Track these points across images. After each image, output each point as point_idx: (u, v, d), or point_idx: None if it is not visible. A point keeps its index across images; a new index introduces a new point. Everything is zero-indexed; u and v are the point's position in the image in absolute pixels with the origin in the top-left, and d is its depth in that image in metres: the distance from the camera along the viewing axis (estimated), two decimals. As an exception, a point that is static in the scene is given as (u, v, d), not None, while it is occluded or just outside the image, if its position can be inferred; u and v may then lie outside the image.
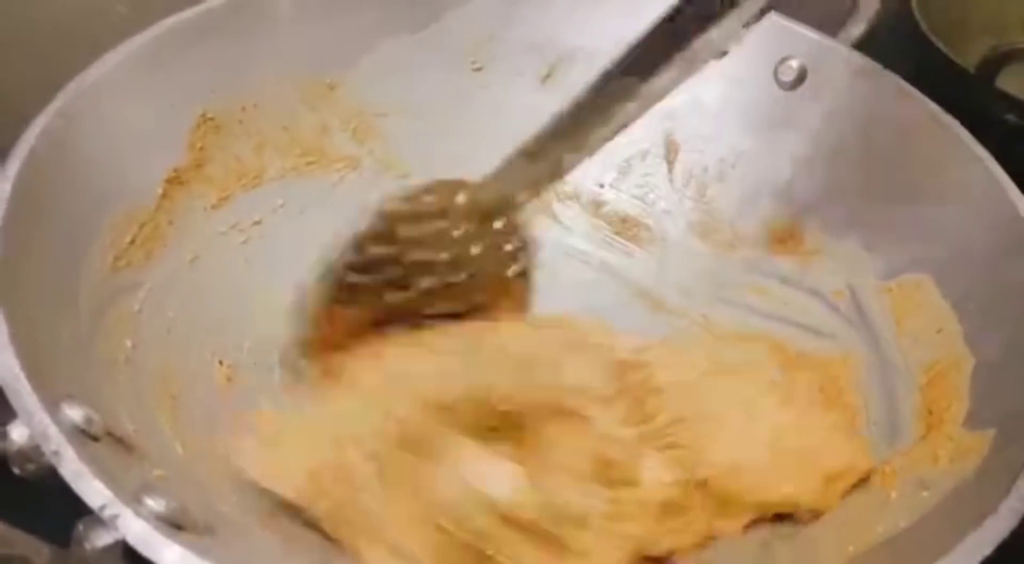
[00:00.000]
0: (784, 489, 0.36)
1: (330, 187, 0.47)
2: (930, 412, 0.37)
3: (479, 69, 0.49)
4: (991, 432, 0.33)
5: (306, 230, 0.45)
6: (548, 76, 0.50)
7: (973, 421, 0.35)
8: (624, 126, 0.38)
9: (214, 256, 0.42)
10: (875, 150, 0.44)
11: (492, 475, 0.34)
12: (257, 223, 0.45)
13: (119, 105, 0.39)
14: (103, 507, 0.26)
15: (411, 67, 0.48)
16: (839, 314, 0.43)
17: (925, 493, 0.33)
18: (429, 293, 0.41)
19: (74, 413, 0.29)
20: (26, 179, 0.34)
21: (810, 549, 0.34)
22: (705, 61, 0.36)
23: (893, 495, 0.34)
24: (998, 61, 0.47)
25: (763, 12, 0.35)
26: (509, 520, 0.34)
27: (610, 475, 0.35)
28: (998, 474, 0.31)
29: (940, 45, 0.50)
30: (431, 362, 0.40)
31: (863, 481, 0.37)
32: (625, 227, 0.50)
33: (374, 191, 0.47)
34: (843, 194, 0.45)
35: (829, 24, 0.47)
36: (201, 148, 0.43)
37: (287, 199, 0.46)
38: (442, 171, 0.48)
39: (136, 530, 0.26)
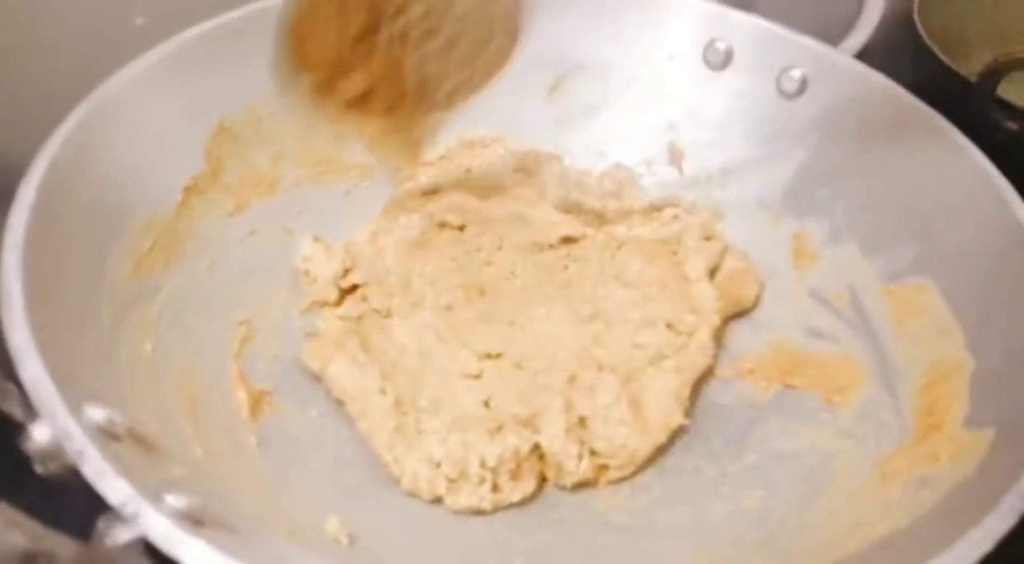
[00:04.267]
0: None
1: (343, 195, 0.48)
2: (930, 413, 0.37)
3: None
4: (991, 432, 0.34)
5: (320, 237, 0.46)
6: (555, 88, 0.51)
7: (973, 421, 0.35)
8: None
9: (231, 262, 0.43)
10: (876, 158, 0.44)
11: None
12: (273, 230, 0.45)
13: (138, 115, 0.40)
14: (124, 504, 0.27)
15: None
16: (840, 317, 0.44)
17: (926, 492, 0.33)
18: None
19: (97, 414, 0.30)
20: (48, 187, 0.35)
21: (812, 547, 0.35)
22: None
23: (895, 494, 0.35)
24: (999, 70, 0.47)
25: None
26: None
27: None
28: (997, 473, 0.32)
29: (941, 55, 0.50)
30: None
31: None
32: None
33: (385, 198, 0.48)
34: (843, 200, 0.46)
35: (831, 34, 0.48)
36: (219, 157, 0.44)
37: (302, 207, 0.47)
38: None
39: (156, 526, 0.27)
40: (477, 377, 0.42)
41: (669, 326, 0.43)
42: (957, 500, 0.32)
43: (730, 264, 0.46)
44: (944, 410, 0.36)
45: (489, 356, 0.43)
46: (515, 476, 0.38)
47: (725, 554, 0.36)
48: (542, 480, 0.39)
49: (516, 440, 0.38)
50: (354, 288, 0.46)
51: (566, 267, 0.46)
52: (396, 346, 0.43)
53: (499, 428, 0.39)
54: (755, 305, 0.46)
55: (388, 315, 0.44)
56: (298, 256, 0.45)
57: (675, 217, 0.48)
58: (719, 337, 0.44)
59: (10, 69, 0.48)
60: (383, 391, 0.40)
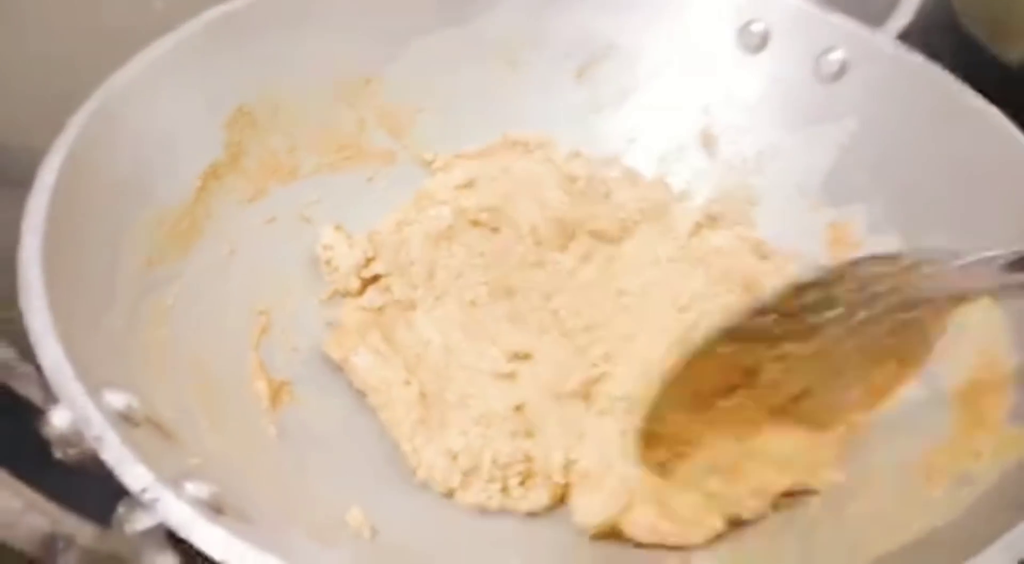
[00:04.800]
0: None
1: (365, 181, 0.47)
2: (973, 408, 0.36)
3: (514, 65, 0.49)
4: (1035, 426, 0.33)
5: (341, 224, 0.45)
6: (582, 73, 0.50)
7: (1017, 416, 0.34)
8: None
9: (250, 250, 0.42)
10: (918, 144, 0.43)
11: None
12: (292, 217, 0.45)
13: (157, 100, 0.40)
14: (144, 490, 0.26)
15: (446, 63, 0.48)
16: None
17: (968, 488, 0.32)
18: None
19: (116, 399, 0.29)
20: (68, 172, 0.34)
21: (850, 545, 0.34)
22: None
23: (935, 492, 0.34)
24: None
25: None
26: None
27: None
28: (1043, 468, 0.31)
29: (983, 40, 0.49)
30: None
31: None
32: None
33: (408, 185, 0.48)
34: (884, 188, 0.44)
35: (872, 15, 0.47)
36: (238, 143, 0.43)
37: (322, 194, 0.46)
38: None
39: (177, 513, 0.26)
40: (510, 377, 0.41)
41: None
42: (1001, 497, 0.31)
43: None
44: (987, 405, 0.35)
45: (518, 356, 0.42)
46: (525, 483, 0.38)
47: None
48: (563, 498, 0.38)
49: (519, 444, 0.38)
50: (375, 278, 0.45)
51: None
52: (420, 339, 0.42)
53: (527, 433, 0.38)
54: None
55: (411, 307, 0.43)
56: (319, 244, 0.45)
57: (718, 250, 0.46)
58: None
59: (28, 54, 0.48)
60: (408, 383, 0.40)
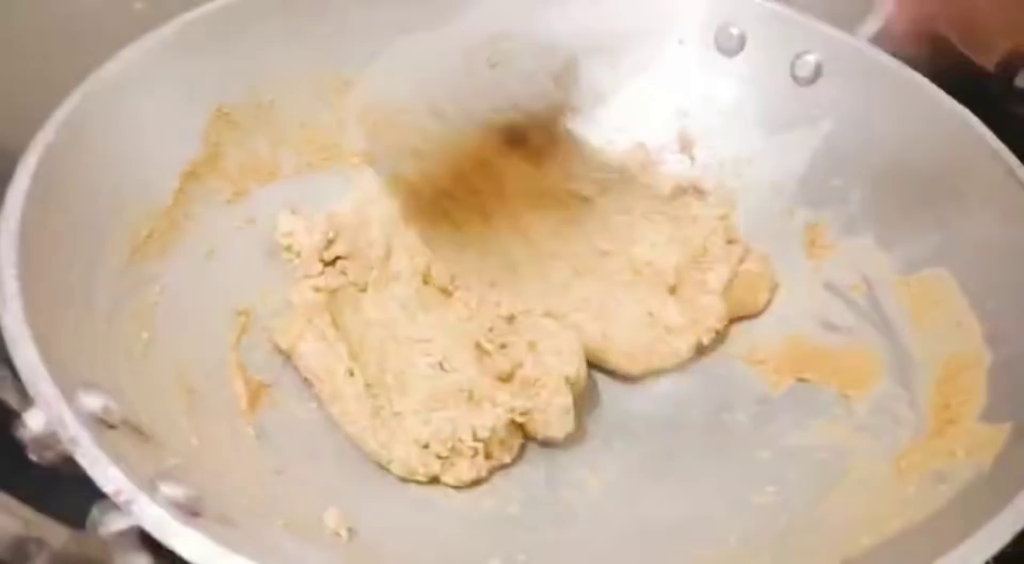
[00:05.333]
0: None
1: (345, 182, 0.47)
2: (947, 406, 0.36)
3: (495, 66, 0.49)
4: (1008, 426, 0.33)
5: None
6: (561, 74, 0.50)
7: (990, 415, 0.34)
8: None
9: (230, 250, 0.42)
10: (892, 146, 0.44)
11: None
12: (272, 218, 0.44)
13: (136, 100, 0.40)
14: (118, 492, 0.26)
15: (426, 64, 0.48)
16: (856, 309, 0.43)
17: (942, 486, 0.33)
18: None
19: (91, 401, 0.29)
20: (44, 172, 0.34)
21: (826, 542, 0.34)
22: None
23: (910, 489, 0.34)
24: (1018, 60, 0.46)
25: None
26: None
27: None
28: (1015, 467, 0.31)
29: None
30: None
31: None
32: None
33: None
34: (859, 190, 0.45)
35: (846, 19, 0.47)
36: (217, 143, 0.43)
37: (303, 194, 0.46)
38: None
39: (151, 516, 0.26)
40: (428, 341, 0.41)
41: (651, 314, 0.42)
42: (974, 494, 0.32)
43: (745, 267, 0.45)
44: (961, 404, 0.36)
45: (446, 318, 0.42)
46: (503, 441, 0.38)
47: (735, 551, 0.35)
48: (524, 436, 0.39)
49: (500, 411, 0.38)
50: (336, 261, 0.44)
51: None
52: (364, 320, 0.42)
53: (473, 397, 0.38)
54: (764, 310, 0.45)
55: (364, 288, 0.43)
56: (277, 232, 0.44)
57: (695, 218, 0.47)
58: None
59: (6, 54, 0.48)
60: (351, 373, 0.39)
